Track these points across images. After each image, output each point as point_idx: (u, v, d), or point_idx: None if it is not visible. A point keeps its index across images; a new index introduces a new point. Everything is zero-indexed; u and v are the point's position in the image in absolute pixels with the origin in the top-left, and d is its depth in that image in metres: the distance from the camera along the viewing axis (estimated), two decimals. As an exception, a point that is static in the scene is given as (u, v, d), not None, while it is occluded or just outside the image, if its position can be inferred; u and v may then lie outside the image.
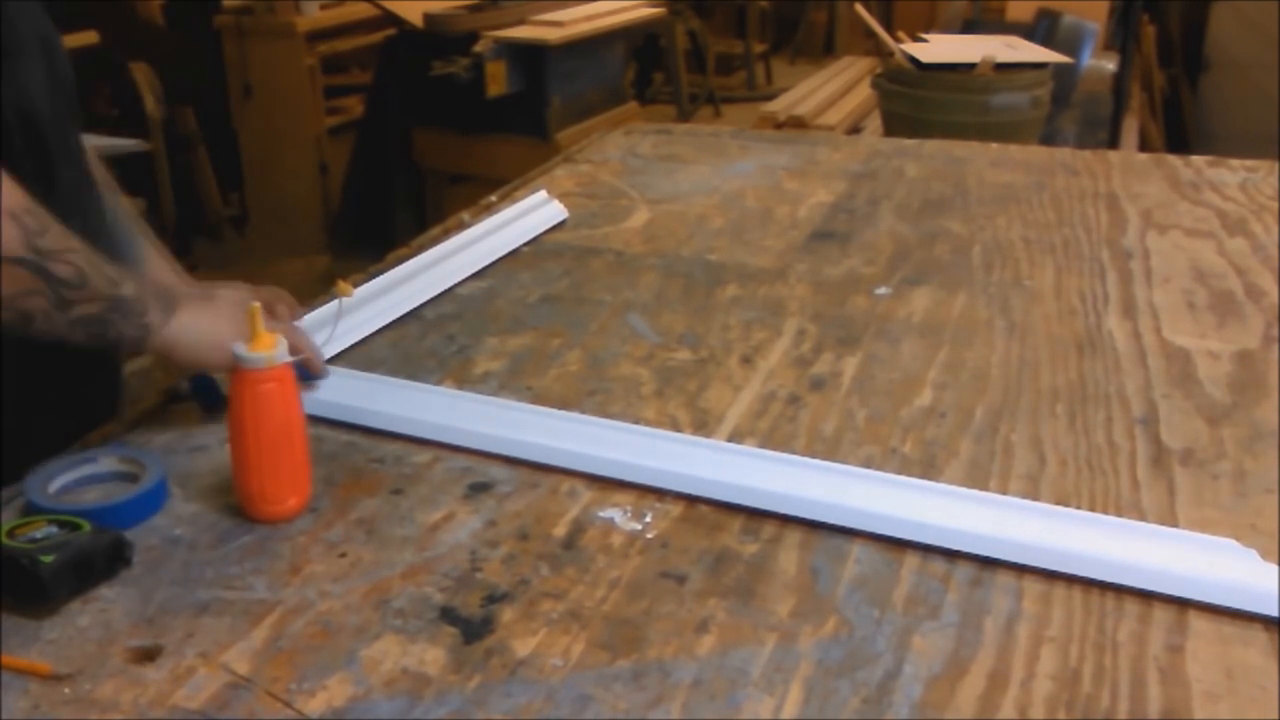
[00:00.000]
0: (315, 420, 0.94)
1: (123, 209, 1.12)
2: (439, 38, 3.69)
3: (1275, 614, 0.72)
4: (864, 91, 4.26)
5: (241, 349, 0.82)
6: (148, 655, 0.69)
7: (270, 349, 0.82)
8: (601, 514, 0.84)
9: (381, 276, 1.22)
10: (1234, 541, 0.79)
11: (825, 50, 7.29)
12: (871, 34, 2.95)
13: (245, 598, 0.74)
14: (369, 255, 1.35)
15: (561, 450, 0.90)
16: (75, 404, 1.01)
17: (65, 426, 0.97)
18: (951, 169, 1.70)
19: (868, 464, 0.90)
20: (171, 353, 0.91)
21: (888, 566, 0.78)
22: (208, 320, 0.92)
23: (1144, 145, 3.83)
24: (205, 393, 0.98)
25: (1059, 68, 2.71)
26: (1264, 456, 0.91)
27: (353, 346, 1.11)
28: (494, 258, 1.33)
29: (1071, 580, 0.76)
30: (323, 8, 4.11)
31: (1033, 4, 3.94)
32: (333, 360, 1.06)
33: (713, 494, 0.85)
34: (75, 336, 0.87)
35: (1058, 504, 0.85)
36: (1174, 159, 1.76)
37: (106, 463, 0.87)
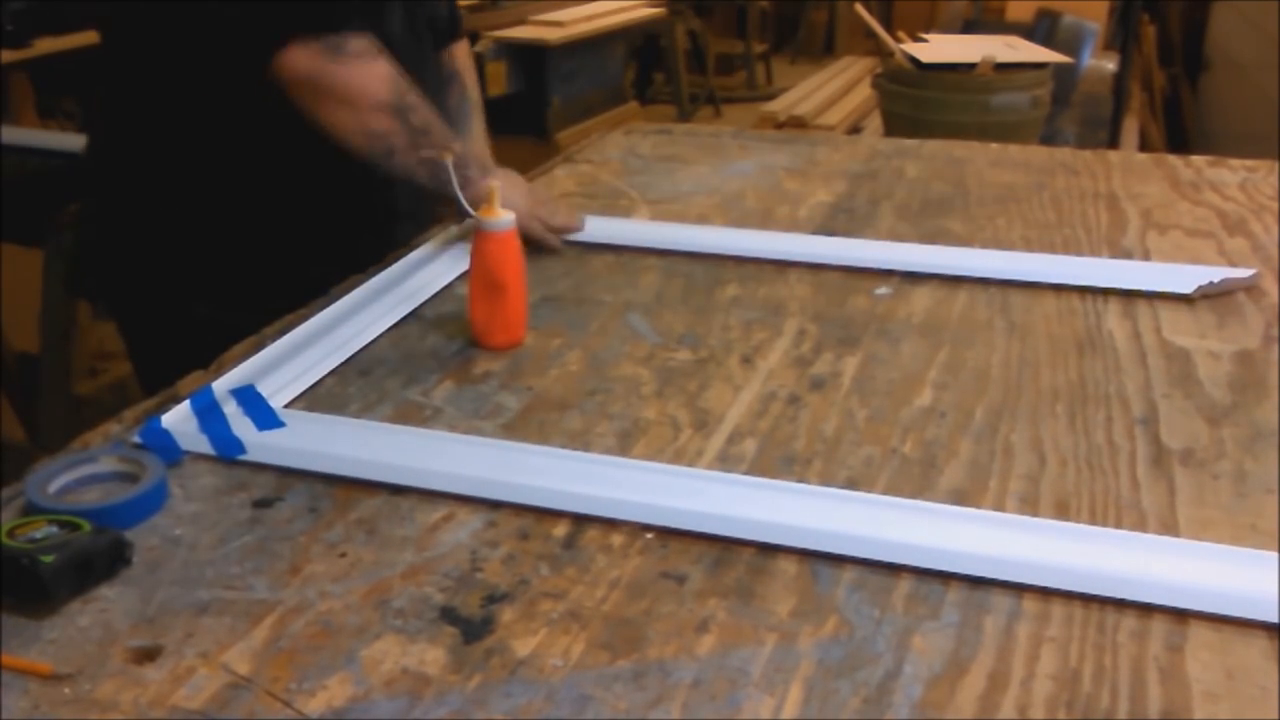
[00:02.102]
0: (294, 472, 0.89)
1: (470, 102, 1.60)
2: (439, 38, 3.68)
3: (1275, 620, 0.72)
4: (864, 91, 4.26)
5: (490, 216, 1.08)
6: (148, 655, 0.69)
7: (508, 215, 1.09)
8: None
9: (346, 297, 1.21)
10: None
11: (825, 50, 7.29)
12: (871, 34, 2.95)
13: (245, 598, 0.74)
14: (369, 257, 1.35)
15: (538, 489, 0.86)
16: (347, 256, 1.30)
17: (333, 277, 1.26)
18: (951, 169, 1.70)
19: (868, 464, 0.91)
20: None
21: (887, 567, 0.78)
22: (509, 186, 1.29)
23: (1144, 145, 3.84)
24: (159, 446, 0.91)
25: (1059, 68, 2.71)
26: (1264, 456, 0.91)
27: (352, 346, 1.11)
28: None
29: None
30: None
31: (1033, 4, 3.95)
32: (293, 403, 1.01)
33: (696, 526, 0.82)
34: (420, 174, 1.28)
35: (1057, 504, 0.85)
36: (1174, 159, 1.76)
37: (106, 463, 0.87)
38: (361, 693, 0.66)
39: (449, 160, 1.22)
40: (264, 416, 0.96)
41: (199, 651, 0.69)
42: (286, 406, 0.99)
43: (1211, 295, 1.22)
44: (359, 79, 1.24)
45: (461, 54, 1.62)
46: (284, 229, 1.34)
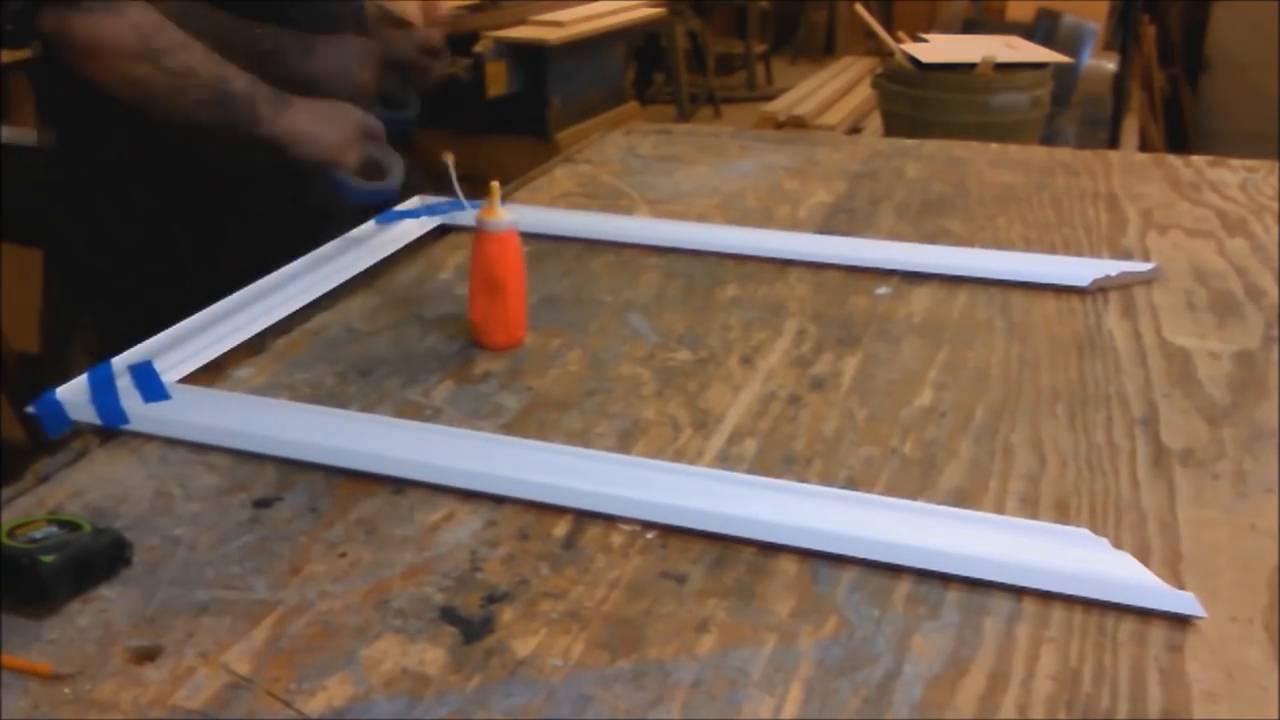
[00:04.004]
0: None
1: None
2: (439, 38, 3.68)
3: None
4: (864, 91, 4.26)
5: (490, 216, 1.08)
6: (148, 655, 0.69)
7: (506, 215, 1.09)
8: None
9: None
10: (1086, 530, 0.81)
11: (825, 50, 7.29)
12: (871, 34, 2.96)
13: (245, 598, 0.74)
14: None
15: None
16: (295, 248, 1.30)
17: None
18: (951, 169, 1.70)
19: (868, 464, 0.91)
20: (291, 144, 1.27)
21: (888, 566, 0.78)
22: (316, 121, 1.28)
23: (1144, 145, 3.84)
24: (50, 415, 0.96)
25: (1059, 68, 2.71)
26: (1264, 456, 0.91)
27: (353, 348, 1.11)
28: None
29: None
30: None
31: (1033, 4, 3.95)
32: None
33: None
34: (200, 117, 1.24)
35: (1058, 504, 0.85)
36: (1174, 159, 1.76)
37: None
38: (361, 693, 0.66)
39: (449, 160, 1.23)
40: (152, 390, 0.98)
41: (199, 651, 0.69)
42: (182, 381, 1.03)
43: (1109, 288, 1.24)
44: (101, 29, 1.20)
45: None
46: (224, 225, 1.37)
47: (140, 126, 1.33)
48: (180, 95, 1.22)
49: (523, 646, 0.70)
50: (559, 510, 0.84)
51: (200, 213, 1.38)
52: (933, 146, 1.84)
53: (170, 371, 1.03)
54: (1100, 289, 1.24)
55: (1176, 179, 1.65)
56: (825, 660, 0.69)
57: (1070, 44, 3.25)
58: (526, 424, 0.97)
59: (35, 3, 1.21)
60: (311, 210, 1.42)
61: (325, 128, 1.29)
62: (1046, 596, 0.75)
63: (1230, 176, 1.65)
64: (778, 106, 4.12)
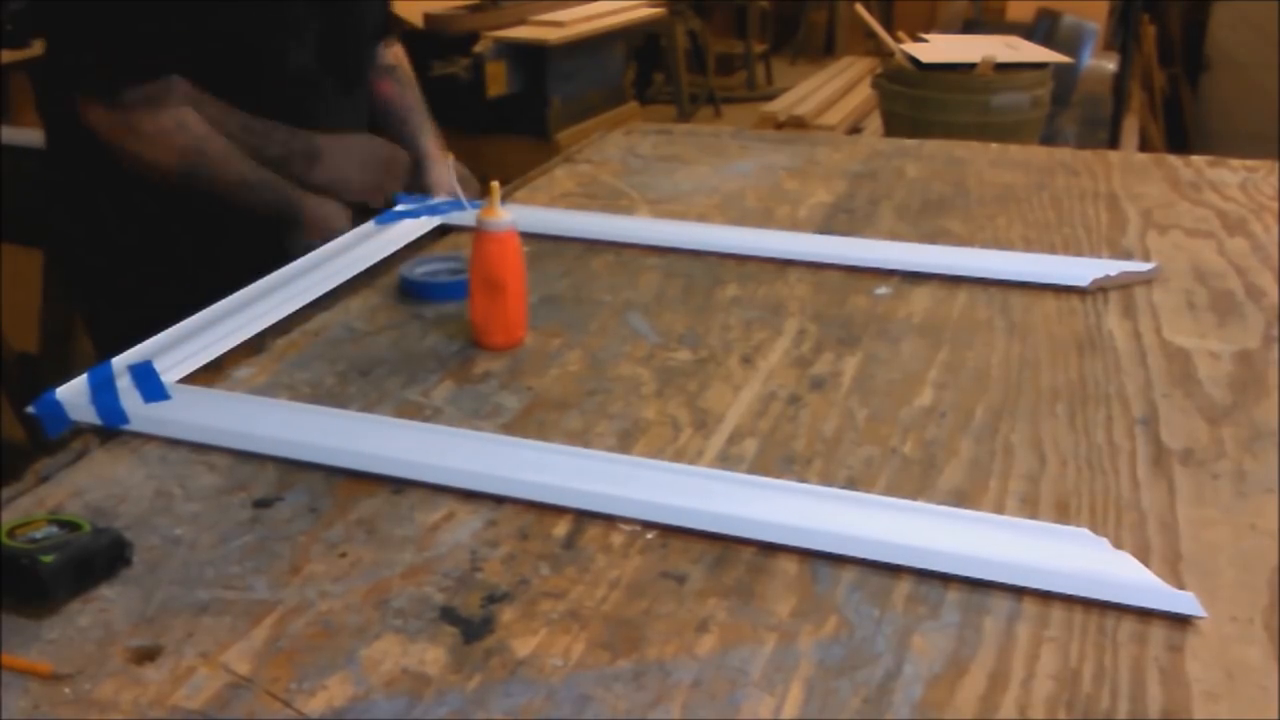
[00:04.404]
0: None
1: (407, 88, 1.63)
2: (439, 38, 3.70)
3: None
4: (864, 91, 4.26)
5: (490, 216, 1.08)
6: (148, 655, 0.69)
7: (506, 215, 1.09)
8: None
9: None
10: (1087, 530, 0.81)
11: (825, 50, 7.29)
12: (871, 34, 2.96)
13: (245, 598, 0.74)
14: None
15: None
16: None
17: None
18: (951, 169, 1.70)
19: (868, 464, 0.91)
20: (327, 194, 1.39)
21: (888, 566, 0.78)
22: (346, 167, 1.40)
23: (1144, 145, 3.84)
24: (50, 415, 0.96)
25: (1059, 68, 2.71)
26: (1264, 456, 0.91)
27: (353, 347, 1.11)
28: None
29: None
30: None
31: (1033, 4, 3.95)
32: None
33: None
34: (236, 201, 1.33)
35: (1058, 504, 0.85)
36: (1174, 159, 1.76)
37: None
38: (361, 693, 0.66)
39: (450, 160, 1.23)
40: (152, 390, 0.98)
41: (199, 651, 0.69)
42: (182, 381, 1.02)
43: (1109, 288, 1.24)
44: (146, 147, 1.30)
45: (395, 50, 1.66)
46: (224, 225, 1.38)
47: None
48: (214, 188, 1.33)
49: (523, 646, 0.70)
50: (559, 510, 0.84)
51: (200, 213, 1.38)
52: (933, 146, 1.84)
53: (170, 371, 1.03)
54: (1100, 289, 1.24)
55: (1176, 179, 1.65)
56: (825, 660, 0.69)
57: (1070, 44, 3.25)
58: (526, 424, 0.97)
59: (72, 96, 1.28)
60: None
61: (355, 172, 1.41)
62: (1046, 596, 0.75)
63: (1230, 176, 1.65)
64: (778, 106, 4.12)
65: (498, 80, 3.75)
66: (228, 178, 1.34)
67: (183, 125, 1.31)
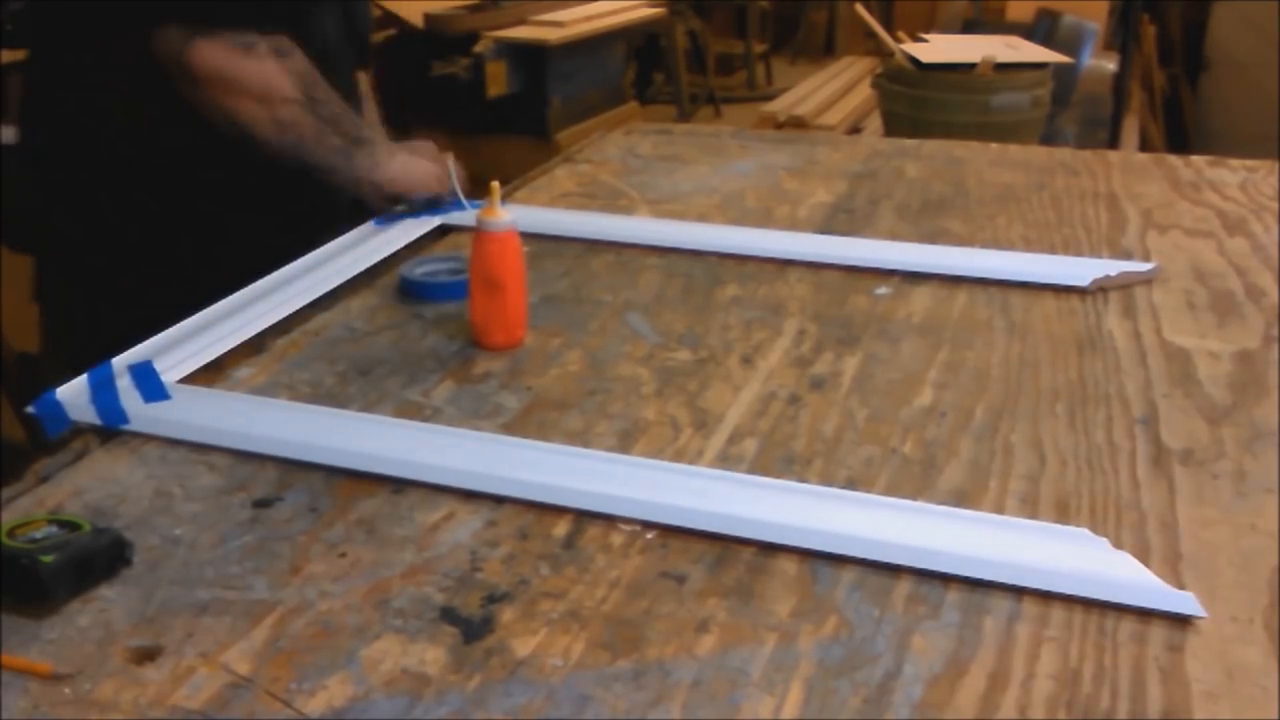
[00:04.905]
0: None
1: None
2: (439, 38, 3.69)
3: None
4: (864, 91, 4.26)
5: (490, 216, 1.09)
6: (148, 655, 0.69)
7: (506, 215, 1.09)
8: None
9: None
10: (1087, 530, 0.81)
11: (825, 50, 7.29)
12: (871, 34, 2.96)
13: (245, 598, 0.74)
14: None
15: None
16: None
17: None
18: (951, 169, 1.70)
19: (868, 464, 0.91)
20: (388, 186, 1.41)
21: (888, 566, 0.78)
22: (413, 162, 1.44)
23: (1144, 145, 3.84)
24: (50, 415, 0.96)
25: (1059, 68, 2.71)
26: (1264, 456, 0.91)
27: (353, 347, 1.11)
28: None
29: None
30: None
31: (1033, 4, 3.95)
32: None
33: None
34: (322, 161, 1.36)
35: (1058, 504, 0.85)
36: (1174, 159, 1.76)
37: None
38: (361, 693, 0.66)
39: (450, 160, 1.23)
40: (152, 389, 0.99)
41: (199, 651, 0.69)
42: (182, 381, 1.02)
43: (1109, 288, 1.24)
44: (269, 74, 1.32)
45: (362, 78, 1.69)
46: (224, 225, 1.39)
47: (140, 127, 1.34)
48: (320, 141, 1.35)
49: (523, 646, 0.70)
50: (559, 510, 0.84)
51: (200, 213, 1.38)
52: (933, 146, 1.84)
53: (170, 371, 1.03)
54: (1100, 289, 1.24)
55: (1176, 179, 1.65)
56: (825, 660, 0.69)
57: (1070, 44, 3.25)
58: (526, 424, 0.97)
59: (188, 36, 1.28)
60: (312, 210, 1.42)
61: (415, 168, 1.44)
62: (1046, 596, 0.75)
63: (1230, 176, 1.65)
64: (778, 106, 4.12)
65: (498, 80, 3.75)
66: (340, 121, 1.37)
67: (302, 72, 1.34)
